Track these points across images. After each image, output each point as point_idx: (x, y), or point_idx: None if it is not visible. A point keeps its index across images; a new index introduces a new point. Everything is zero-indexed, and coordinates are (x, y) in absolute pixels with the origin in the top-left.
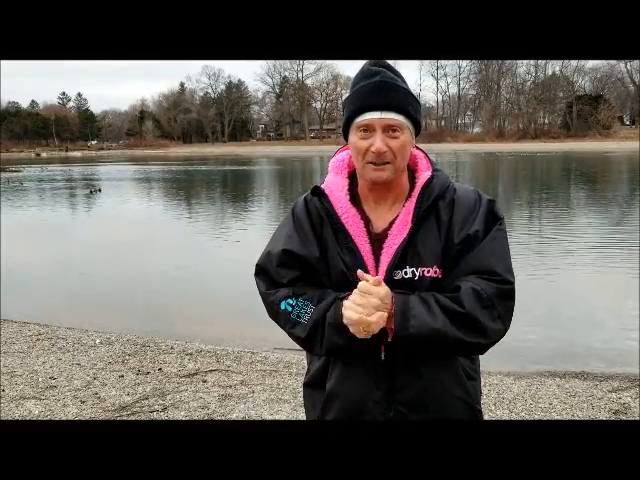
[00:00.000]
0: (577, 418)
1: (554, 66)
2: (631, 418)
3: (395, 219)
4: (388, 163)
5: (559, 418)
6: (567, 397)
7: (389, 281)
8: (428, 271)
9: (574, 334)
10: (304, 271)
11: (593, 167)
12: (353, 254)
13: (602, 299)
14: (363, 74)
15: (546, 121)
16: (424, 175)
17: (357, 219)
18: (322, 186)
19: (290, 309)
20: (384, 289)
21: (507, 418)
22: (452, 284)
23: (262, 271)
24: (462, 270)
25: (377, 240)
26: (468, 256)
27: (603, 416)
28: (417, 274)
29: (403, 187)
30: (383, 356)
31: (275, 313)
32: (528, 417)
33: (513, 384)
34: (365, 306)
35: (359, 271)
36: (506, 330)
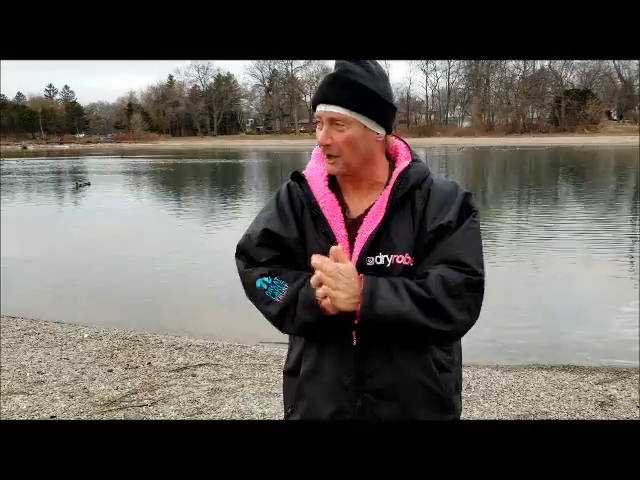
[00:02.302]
0: (564, 410)
1: (543, 61)
2: (617, 410)
3: (371, 206)
4: (338, 157)
5: (546, 410)
6: (554, 389)
7: (361, 266)
8: (400, 258)
9: (561, 327)
10: (283, 252)
11: (586, 161)
12: (328, 239)
13: (589, 292)
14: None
15: (534, 115)
16: (402, 164)
17: (334, 204)
18: (303, 172)
19: (265, 287)
20: (350, 266)
21: (495, 410)
22: (422, 271)
23: (242, 252)
24: (433, 259)
25: (353, 225)
26: (439, 245)
27: (590, 408)
28: (389, 261)
29: (376, 177)
30: (355, 342)
31: (251, 291)
32: (516, 409)
33: (501, 377)
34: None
35: (332, 248)
36: (473, 322)
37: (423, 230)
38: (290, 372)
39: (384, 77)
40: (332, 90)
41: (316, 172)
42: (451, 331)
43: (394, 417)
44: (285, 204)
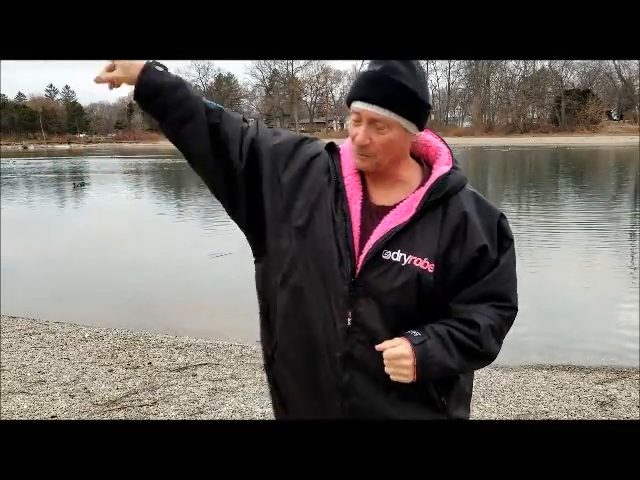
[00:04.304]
0: (564, 410)
1: (543, 61)
2: (617, 410)
3: (401, 202)
4: (371, 156)
5: (546, 410)
6: (554, 389)
7: (375, 257)
8: (418, 261)
9: (561, 326)
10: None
11: (577, 161)
12: (344, 217)
13: (589, 292)
14: (372, 61)
15: (535, 116)
16: (442, 169)
17: (357, 185)
18: (339, 145)
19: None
20: (405, 347)
21: (495, 410)
22: (466, 310)
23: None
24: (475, 292)
25: (371, 214)
26: (482, 280)
27: (590, 408)
28: (406, 260)
29: (399, 176)
30: (349, 322)
31: None
32: (516, 409)
33: (501, 376)
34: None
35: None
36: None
37: (464, 247)
38: (266, 316)
39: (424, 75)
40: (375, 89)
41: (350, 152)
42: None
43: (380, 402)
44: (304, 151)
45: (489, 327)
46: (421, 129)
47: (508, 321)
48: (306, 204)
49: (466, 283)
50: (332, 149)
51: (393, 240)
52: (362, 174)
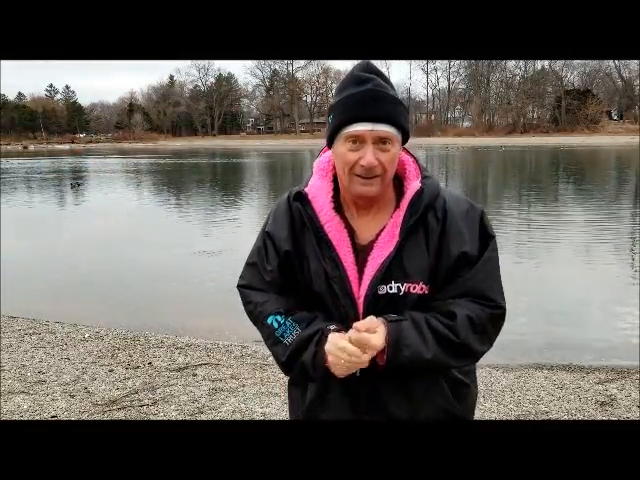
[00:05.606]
0: (564, 410)
1: (543, 61)
2: (617, 410)
3: (381, 231)
4: (377, 176)
5: (546, 410)
6: (555, 389)
7: (373, 296)
8: (414, 287)
9: (562, 326)
10: (283, 260)
11: (568, 160)
12: (335, 265)
13: (590, 291)
14: (352, 80)
15: (535, 115)
16: (413, 185)
17: (341, 228)
18: (306, 190)
19: (276, 326)
20: (379, 333)
21: (496, 410)
22: (444, 303)
23: (248, 270)
24: (455, 290)
25: (362, 251)
26: (463, 277)
27: (590, 408)
28: (402, 289)
29: (387, 197)
30: (358, 372)
31: (260, 325)
32: (516, 409)
33: (501, 377)
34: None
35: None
36: (491, 346)
37: (442, 255)
38: (295, 383)
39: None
40: (379, 107)
41: (321, 191)
42: (471, 362)
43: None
44: (283, 219)
45: (466, 318)
46: (404, 142)
47: (492, 319)
48: (294, 252)
49: (448, 282)
50: (300, 198)
51: (385, 273)
52: (341, 212)
